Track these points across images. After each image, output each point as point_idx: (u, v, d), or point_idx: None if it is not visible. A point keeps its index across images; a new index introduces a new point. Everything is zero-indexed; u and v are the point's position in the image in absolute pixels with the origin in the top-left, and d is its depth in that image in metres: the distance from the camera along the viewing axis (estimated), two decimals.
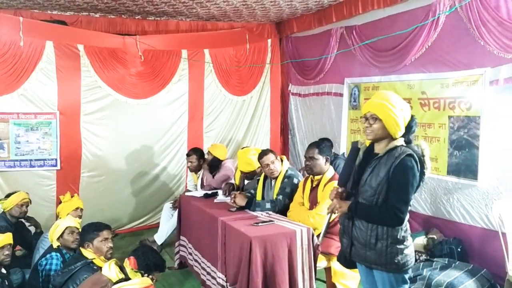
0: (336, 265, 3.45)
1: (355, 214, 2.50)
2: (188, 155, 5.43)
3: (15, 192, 4.32)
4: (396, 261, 2.39)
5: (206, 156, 5.26)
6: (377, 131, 2.43)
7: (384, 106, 2.39)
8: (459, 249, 3.95)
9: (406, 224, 2.44)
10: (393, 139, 2.44)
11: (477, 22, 3.75)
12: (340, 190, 2.58)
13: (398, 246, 2.40)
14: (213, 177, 5.02)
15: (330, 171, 3.62)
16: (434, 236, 4.13)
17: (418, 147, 2.44)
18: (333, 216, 2.75)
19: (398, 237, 2.40)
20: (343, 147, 5.55)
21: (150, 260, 2.83)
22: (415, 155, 2.37)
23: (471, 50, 3.88)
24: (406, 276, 2.48)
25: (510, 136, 3.65)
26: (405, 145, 2.43)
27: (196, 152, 5.38)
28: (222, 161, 5.12)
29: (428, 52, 4.28)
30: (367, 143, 2.60)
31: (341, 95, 5.58)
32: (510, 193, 3.63)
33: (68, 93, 5.51)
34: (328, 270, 3.52)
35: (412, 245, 2.49)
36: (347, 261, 2.70)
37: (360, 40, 5.11)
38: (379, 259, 2.43)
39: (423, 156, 2.41)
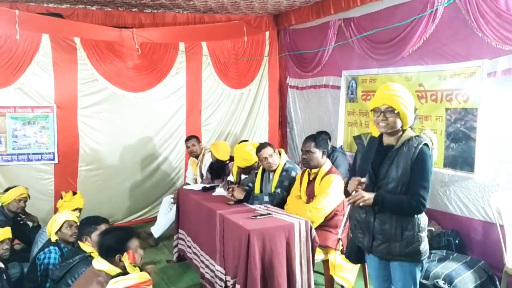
0: (333, 258, 3.46)
1: (382, 206, 2.44)
2: (187, 140, 5.55)
3: (15, 186, 4.31)
4: (420, 249, 2.45)
5: (210, 156, 5.23)
6: (393, 123, 2.45)
7: (399, 98, 2.42)
8: (457, 241, 3.97)
9: (423, 213, 2.50)
10: (402, 130, 2.48)
11: (475, 14, 3.73)
12: (362, 180, 2.47)
13: (421, 234, 2.46)
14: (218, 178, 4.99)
15: (327, 164, 3.62)
16: (432, 229, 4.14)
17: (426, 136, 2.49)
18: (348, 208, 2.59)
19: (421, 225, 2.47)
20: (340, 140, 5.55)
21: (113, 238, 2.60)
22: (428, 144, 2.44)
23: (469, 42, 3.87)
24: (423, 265, 2.55)
25: (507, 129, 3.65)
26: (416, 135, 2.48)
27: (194, 136, 5.54)
28: (225, 163, 5.03)
29: (426, 44, 4.27)
30: (376, 135, 2.59)
31: (338, 87, 5.58)
32: (507, 185, 3.64)
33: (65, 87, 5.49)
34: (326, 262, 3.53)
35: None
36: (357, 256, 2.74)
37: (358, 32, 5.09)
38: (405, 249, 2.45)
39: (432, 144, 2.48)
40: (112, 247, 2.47)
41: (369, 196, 2.41)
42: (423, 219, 2.48)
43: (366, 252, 2.66)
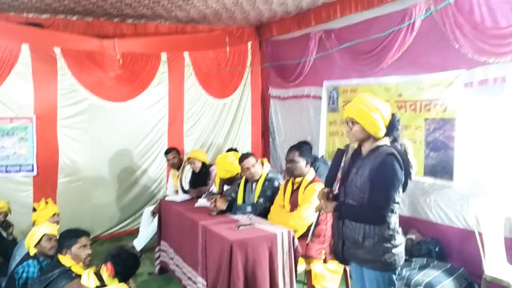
0: (316, 268, 3.47)
1: (340, 214, 2.57)
2: (166, 152, 5.53)
3: None
4: (383, 259, 2.42)
5: (189, 164, 5.24)
6: (357, 133, 2.49)
7: (361, 110, 2.45)
8: (437, 249, 4.02)
9: (394, 223, 2.46)
10: (376, 139, 2.48)
11: (451, 26, 3.82)
12: (325, 190, 2.62)
13: (385, 245, 2.42)
14: (205, 185, 4.99)
15: (310, 174, 3.64)
16: (413, 237, 4.19)
17: (401, 145, 2.48)
18: (321, 215, 2.77)
19: (385, 235, 2.42)
20: (322, 150, 5.59)
21: (123, 264, 2.74)
22: (396, 153, 2.39)
23: (446, 53, 3.96)
24: (394, 277, 2.49)
25: (485, 138, 3.73)
26: (389, 144, 2.46)
27: (174, 148, 5.55)
28: (208, 167, 5.14)
29: (404, 55, 4.35)
30: (355, 145, 2.65)
31: (320, 98, 5.63)
32: (485, 194, 3.70)
33: (45, 97, 5.42)
34: (308, 272, 3.53)
35: (402, 244, 2.49)
36: (342, 258, 2.74)
37: (339, 43, 5.16)
38: (366, 256, 2.46)
39: (406, 154, 2.45)
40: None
41: (330, 205, 2.56)
42: (389, 229, 2.43)
43: (339, 255, 2.68)
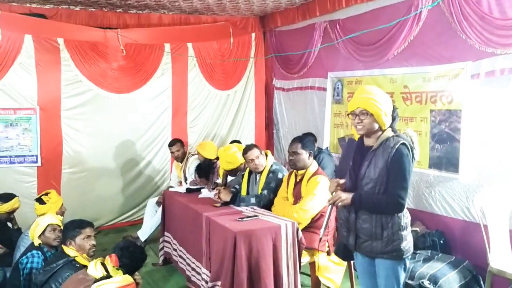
0: (320, 259, 3.47)
1: (360, 205, 2.52)
2: (171, 144, 5.49)
3: (8, 194, 4.18)
4: (401, 247, 2.47)
5: (196, 156, 5.22)
6: (368, 125, 2.50)
7: (372, 100, 2.46)
8: (441, 241, 4.01)
9: (406, 211, 2.53)
10: (382, 131, 2.52)
11: (459, 17, 3.78)
12: (341, 182, 2.58)
13: (401, 233, 2.48)
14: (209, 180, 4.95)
15: (313, 166, 3.63)
16: (417, 229, 4.17)
17: (406, 135, 2.53)
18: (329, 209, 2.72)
19: (402, 224, 2.49)
20: (326, 142, 5.56)
21: (130, 257, 2.78)
22: (407, 144, 2.46)
23: (452, 44, 3.91)
24: (407, 261, 2.56)
25: (491, 130, 3.70)
26: (395, 135, 2.51)
27: (178, 140, 5.50)
28: (213, 162, 5.05)
29: (410, 46, 4.30)
30: (356, 137, 2.66)
31: (324, 89, 5.59)
32: (491, 186, 3.68)
33: (48, 88, 5.41)
34: (312, 264, 3.53)
35: (410, 232, 2.57)
36: (345, 253, 2.77)
37: (344, 34, 5.12)
38: (385, 247, 2.49)
39: (412, 143, 2.50)
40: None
41: (347, 196, 2.51)
42: (404, 217, 2.51)
43: (351, 249, 2.70)
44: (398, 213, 2.48)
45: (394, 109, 2.57)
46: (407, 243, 2.50)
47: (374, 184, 2.48)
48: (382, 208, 2.47)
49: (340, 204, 2.53)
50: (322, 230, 2.68)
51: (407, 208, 2.57)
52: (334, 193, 2.55)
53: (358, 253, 2.68)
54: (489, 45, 3.58)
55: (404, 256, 2.50)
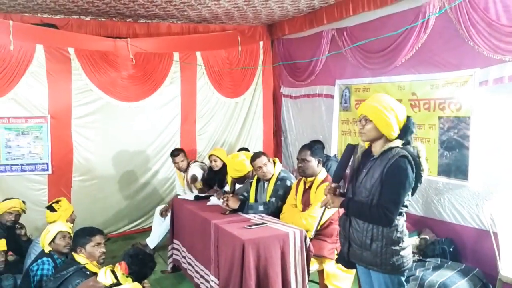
0: (328, 267, 3.46)
1: (347, 211, 2.54)
2: (175, 155, 5.36)
3: (12, 198, 4.24)
4: (391, 262, 2.40)
5: (198, 163, 5.24)
6: (369, 132, 2.48)
7: (375, 108, 2.44)
8: (451, 249, 3.98)
9: (402, 225, 2.45)
10: (388, 140, 2.45)
11: (466, 24, 3.78)
12: (333, 185, 2.62)
13: (393, 247, 2.40)
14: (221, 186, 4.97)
15: (322, 173, 3.63)
16: (427, 237, 4.15)
17: (414, 148, 2.43)
18: (326, 211, 2.78)
19: (393, 238, 2.40)
20: (334, 149, 5.56)
21: (139, 265, 2.81)
22: (409, 156, 2.37)
23: (460, 51, 3.91)
24: (403, 279, 2.48)
25: (500, 136, 3.68)
26: (401, 146, 2.42)
27: (181, 150, 5.45)
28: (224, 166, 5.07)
29: (418, 54, 4.31)
30: (366, 145, 2.63)
31: (332, 96, 5.60)
32: (500, 193, 3.66)
33: (59, 97, 5.48)
34: (321, 272, 3.52)
35: (409, 247, 2.48)
36: (347, 261, 2.71)
37: (351, 42, 5.14)
38: (374, 259, 2.44)
39: (419, 157, 2.41)
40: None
41: (336, 200, 2.56)
42: (397, 232, 2.41)
43: (345, 257, 2.66)
44: (385, 226, 2.39)
45: (409, 119, 2.47)
46: (399, 258, 2.40)
47: (368, 193, 2.44)
48: (367, 218, 2.43)
49: (329, 207, 2.63)
50: (313, 232, 2.75)
51: (416, 216, 2.55)
52: (327, 195, 2.61)
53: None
54: (497, 52, 3.57)
55: (397, 272, 2.42)
